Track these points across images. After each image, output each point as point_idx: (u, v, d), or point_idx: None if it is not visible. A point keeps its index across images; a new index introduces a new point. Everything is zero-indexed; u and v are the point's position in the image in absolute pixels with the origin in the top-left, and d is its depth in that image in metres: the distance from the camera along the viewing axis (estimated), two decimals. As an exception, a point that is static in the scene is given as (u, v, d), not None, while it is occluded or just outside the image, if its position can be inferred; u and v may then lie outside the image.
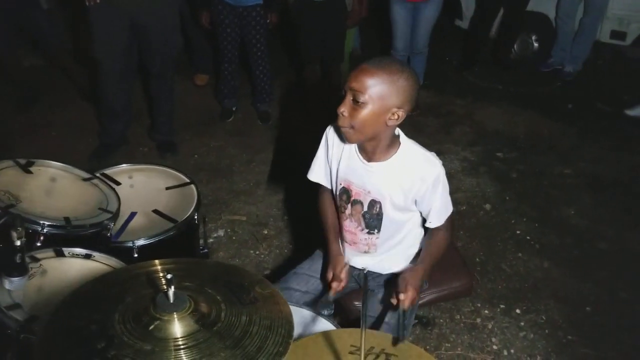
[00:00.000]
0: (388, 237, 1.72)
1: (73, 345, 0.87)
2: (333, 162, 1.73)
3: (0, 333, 1.25)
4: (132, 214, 2.04)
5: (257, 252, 2.85)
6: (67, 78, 4.28)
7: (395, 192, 1.62)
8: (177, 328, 0.91)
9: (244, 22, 3.69)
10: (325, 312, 1.57)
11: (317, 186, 1.85)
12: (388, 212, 1.66)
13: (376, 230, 1.70)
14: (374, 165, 1.62)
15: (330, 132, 1.74)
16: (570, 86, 4.61)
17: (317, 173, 1.81)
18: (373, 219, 1.69)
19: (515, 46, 5.03)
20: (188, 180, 2.22)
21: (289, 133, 3.82)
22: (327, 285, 1.68)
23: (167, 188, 2.18)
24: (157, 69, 3.38)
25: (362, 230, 1.72)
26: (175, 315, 0.92)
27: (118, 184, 2.18)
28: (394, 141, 1.61)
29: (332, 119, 1.63)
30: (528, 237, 2.93)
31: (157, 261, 1.06)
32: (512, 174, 3.49)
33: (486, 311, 2.48)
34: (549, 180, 3.41)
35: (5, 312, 1.25)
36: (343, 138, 1.64)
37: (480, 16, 4.91)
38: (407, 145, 1.62)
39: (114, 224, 1.68)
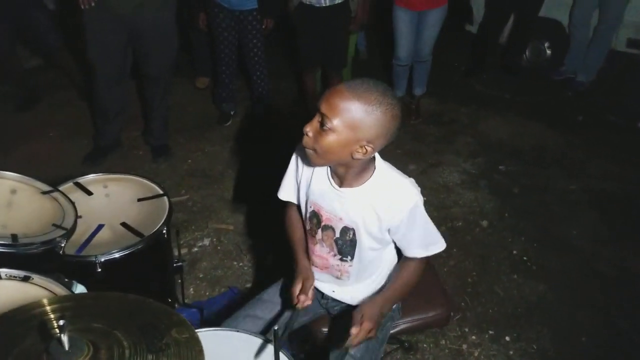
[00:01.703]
0: (363, 267, 1.60)
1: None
2: (302, 183, 1.61)
3: None
4: (99, 227, 1.96)
5: (241, 264, 2.76)
6: (67, 79, 4.26)
7: (369, 220, 1.49)
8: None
9: (240, 26, 3.63)
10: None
11: None
12: (363, 240, 1.53)
13: (349, 258, 1.58)
14: (345, 190, 1.48)
15: (301, 150, 1.58)
16: (582, 97, 4.42)
17: (287, 192, 1.69)
18: (346, 246, 1.56)
19: (526, 53, 4.87)
20: (161, 192, 2.13)
21: (286, 140, 3.72)
22: (288, 302, 1.57)
23: (139, 199, 2.11)
24: (152, 72, 3.33)
25: (335, 256, 1.60)
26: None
27: (90, 194, 2.12)
28: (368, 165, 1.46)
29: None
30: (525, 258, 2.78)
31: (70, 295, 0.96)
32: (514, 188, 3.34)
33: (474, 337, 2.35)
34: (553, 197, 3.26)
35: None
36: None
37: (489, 21, 4.76)
38: (383, 170, 1.47)
39: (67, 241, 1.59)
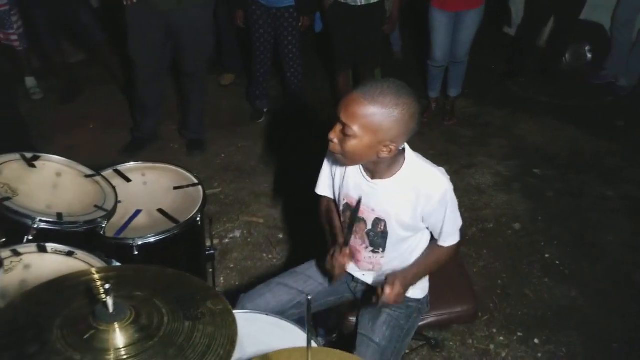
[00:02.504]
0: (393, 258, 1.63)
1: (3, 347, 0.84)
2: (336, 177, 1.66)
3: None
4: (137, 212, 2.04)
5: (270, 256, 2.80)
6: (109, 74, 4.40)
7: (401, 210, 1.53)
8: (116, 339, 0.87)
9: (277, 24, 3.68)
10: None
11: None
12: (394, 231, 1.57)
13: (381, 250, 1.62)
14: (377, 182, 1.53)
15: None
16: (623, 101, 4.31)
17: (324, 187, 1.74)
18: (378, 237, 1.60)
19: (566, 56, 4.77)
20: (196, 181, 2.19)
21: (318, 137, 3.76)
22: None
23: (175, 188, 2.17)
24: (190, 68, 3.41)
25: (367, 248, 1.64)
26: (116, 326, 0.88)
27: (129, 180, 2.19)
28: (398, 158, 1.50)
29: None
30: (557, 262, 2.74)
31: (115, 267, 1.01)
32: (548, 192, 3.29)
33: (501, 338, 2.34)
34: (588, 202, 3.20)
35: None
36: None
37: (529, 23, 4.69)
38: (413, 161, 1.51)
39: (107, 222, 1.66)
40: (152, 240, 1.89)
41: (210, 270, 2.45)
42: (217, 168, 3.53)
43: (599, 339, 2.32)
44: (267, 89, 4.05)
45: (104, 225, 1.64)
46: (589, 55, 4.70)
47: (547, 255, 2.78)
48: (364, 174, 1.54)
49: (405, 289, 1.50)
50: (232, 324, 0.93)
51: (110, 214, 1.67)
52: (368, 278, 1.70)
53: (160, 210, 2.04)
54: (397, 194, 1.51)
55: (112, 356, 0.85)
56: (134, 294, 0.96)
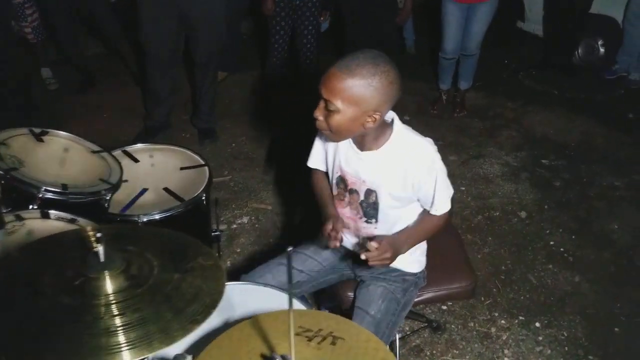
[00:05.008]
0: (387, 229, 1.66)
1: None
2: (329, 150, 1.70)
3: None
4: (143, 190, 2.09)
5: (277, 242, 2.84)
6: (124, 66, 4.48)
7: (391, 181, 1.56)
8: (105, 286, 0.92)
9: (297, 15, 3.70)
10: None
11: None
12: (385, 202, 1.60)
13: (374, 220, 1.65)
14: (366, 154, 1.56)
15: None
16: (634, 94, 4.27)
17: (316, 160, 1.78)
18: (370, 208, 1.63)
19: (578, 51, 4.74)
20: (202, 162, 2.24)
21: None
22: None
23: (182, 168, 2.22)
24: (202, 58, 3.45)
25: (361, 218, 1.67)
26: (106, 274, 0.93)
27: (136, 161, 2.25)
28: (385, 129, 1.54)
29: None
30: (562, 249, 2.74)
31: (112, 225, 1.06)
32: (556, 182, 3.28)
33: (503, 321, 2.34)
34: (596, 192, 3.18)
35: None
36: None
37: (546, 17, 4.67)
38: (400, 132, 1.54)
39: (112, 196, 1.72)
40: (157, 217, 1.94)
41: (218, 253, 2.50)
42: (228, 156, 3.58)
43: (601, 324, 2.31)
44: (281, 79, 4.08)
45: (107, 198, 1.69)
46: (602, 50, 4.66)
47: (551, 243, 2.78)
48: (354, 146, 1.58)
49: (394, 253, 1.51)
50: (220, 277, 0.97)
51: (114, 188, 1.72)
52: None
53: (166, 189, 2.10)
54: (386, 165, 1.55)
55: (102, 301, 0.90)
56: (127, 247, 1.00)
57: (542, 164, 3.46)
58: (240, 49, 4.69)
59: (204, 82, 3.59)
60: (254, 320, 1.02)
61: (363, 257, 1.46)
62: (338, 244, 1.58)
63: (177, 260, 0.99)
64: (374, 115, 1.43)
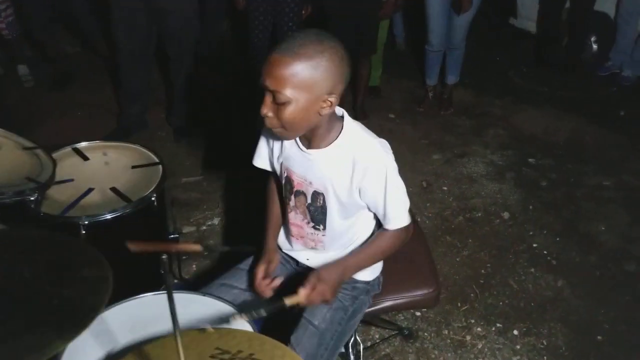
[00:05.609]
0: (335, 236, 1.51)
1: None
2: (275, 149, 1.53)
3: None
4: (89, 190, 1.95)
5: (248, 243, 2.71)
6: (102, 64, 4.37)
7: (337, 182, 1.40)
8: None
9: (278, 9, 3.57)
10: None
11: None
12: (332, 206, 1.44)
13: (321, 226, 1.49)
14: (312, 152, 1.39)
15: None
16: (626, 92, 4.14)
17: (261, 159, 1.62)
18: (318, 212, 1.47)
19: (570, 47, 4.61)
20: (156, 161, 2.11)
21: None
22: (253, 284, 1.52)
23: (133, 167, 2.09)
24: (175, 53, 3.35)
25: (308, 223, 1.51)
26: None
27: (86, 159, 2.12)
28: (335, 124, 1.37)
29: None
30: (545, 252, 2.60)
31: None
32: (542, 182, 3.14)
33: (479, 329, 2.21)
34: (583, 192, 3.04)
35: None
36: None
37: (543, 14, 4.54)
38: (351, 129, 1.37)
39: (40, 196, 1.58)
40: (101, 219, 1.81)
41: (184, 257, 2.38)
42: (204, 156, 3.46)
43: (583, 331, 2.18)
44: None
45: (32, 198, 1.55)
46: (595, 47, 4.53)
47: (535, 245, 2.64)
48: (299, 143, 1.41)
49: (333, 286, 1.38)
50: (104, 292, 0.83)
51: (42, 187, 1.58)
52: (313, 262, 1.57)
53: (113, 189, 1.96)
54: (333, 164, 1.38)
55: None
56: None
57: (529, 164, 3.32)
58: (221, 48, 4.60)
59: (177, 78, 3.47)
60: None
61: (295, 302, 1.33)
62: (270, 293, 1.47)
63: (57, 269, 0.85)
64: (329, 99, 1.26)
